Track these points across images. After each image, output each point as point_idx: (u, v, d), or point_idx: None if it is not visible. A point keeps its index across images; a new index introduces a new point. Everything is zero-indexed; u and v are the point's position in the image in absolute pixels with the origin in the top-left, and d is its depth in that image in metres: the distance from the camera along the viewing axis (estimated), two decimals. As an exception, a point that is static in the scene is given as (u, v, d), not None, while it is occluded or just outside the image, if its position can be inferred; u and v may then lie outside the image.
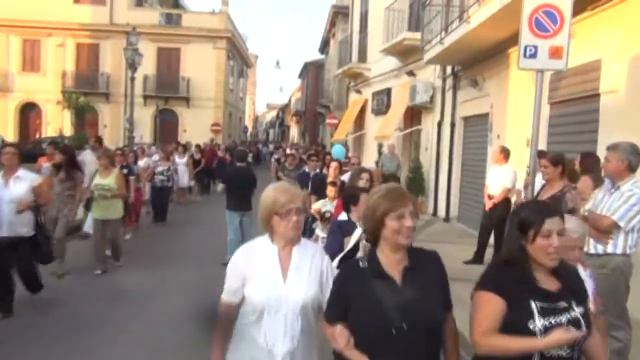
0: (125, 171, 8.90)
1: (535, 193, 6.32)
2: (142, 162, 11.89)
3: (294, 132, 64.18)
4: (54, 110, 30.39)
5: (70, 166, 7.56)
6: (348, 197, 4.43)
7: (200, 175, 17.04)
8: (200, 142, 21.46)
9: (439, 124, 13.19)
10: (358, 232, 3.52)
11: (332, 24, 29.00)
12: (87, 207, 8.39)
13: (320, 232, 6.21)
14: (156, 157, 13.61)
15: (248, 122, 63.20)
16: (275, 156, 19.72)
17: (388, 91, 17.19)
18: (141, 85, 30.31)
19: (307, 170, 9.45)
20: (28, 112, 32.41)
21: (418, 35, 13.73)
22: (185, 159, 15.28)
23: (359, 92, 21.41)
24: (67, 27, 30.88)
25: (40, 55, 31.86)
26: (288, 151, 18.26)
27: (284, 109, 71.77)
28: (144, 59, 20.89)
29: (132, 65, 19.28)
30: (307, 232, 6.91)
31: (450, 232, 11.19)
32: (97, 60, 32.13)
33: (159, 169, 12.18)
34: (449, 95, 12.73)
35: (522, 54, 4.90)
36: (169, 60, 32.59)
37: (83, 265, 7.71)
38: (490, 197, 8.00)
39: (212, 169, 17.80)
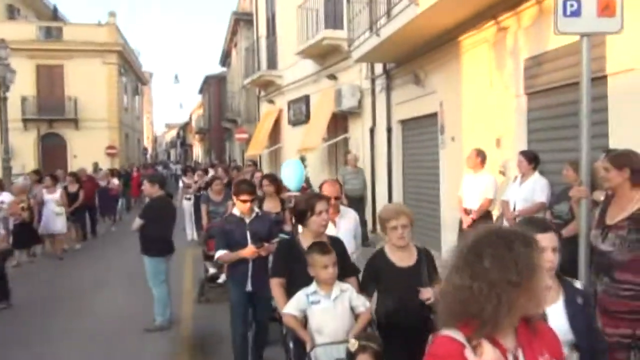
0: None
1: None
2: None
3: (197, 151, 61.19)
4: None
5: None
6: None
7: (79, 215, 12.81)
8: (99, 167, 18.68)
9: (372, 130, 11.78)
10: None
11: (234, 32, 27.05)
12: None
13: None
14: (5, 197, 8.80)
15: (147, 144, 59.27)
16: (185, 180, 14.46)
17: (306, 98, 15.58)
18: (19, 108, 26.62)
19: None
20: None
21: (339, 33, 12.35)
22: (57, 194, 11.24)
23: (271, 102, 19.63)
24: None
25: None
26: (195, 177, 13.56)
27: (184, 127, 68.39)
28: (21, 79, 18.24)
29: (4, 84, 16.39)
30: None
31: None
32: (-37, 82, 27.89)
33: None
34: (381, 97, 11.32)
35: (562, 12, 3.42)
36: (51, 79, 28.83)
37: None
38: (467, 212, 6.50)
39: (93, 205, 14.24)
